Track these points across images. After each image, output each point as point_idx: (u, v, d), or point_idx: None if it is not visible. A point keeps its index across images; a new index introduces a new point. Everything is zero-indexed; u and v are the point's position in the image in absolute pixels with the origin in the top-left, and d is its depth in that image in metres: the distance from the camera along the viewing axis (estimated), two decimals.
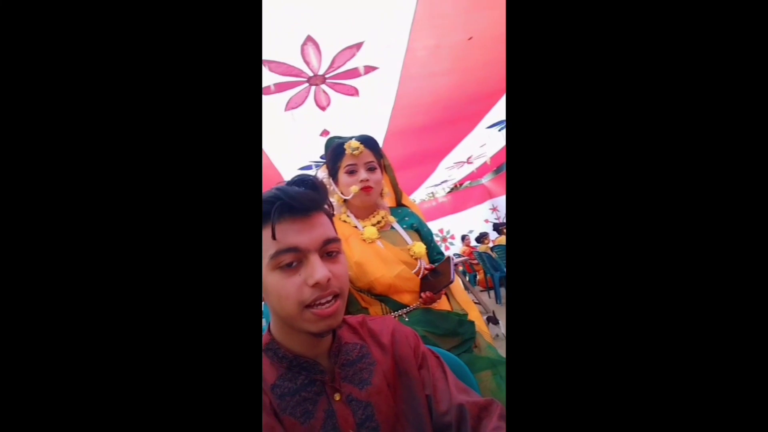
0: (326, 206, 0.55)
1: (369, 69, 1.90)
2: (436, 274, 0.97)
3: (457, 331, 0.97)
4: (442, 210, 6.91)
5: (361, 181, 1.00)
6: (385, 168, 1.12)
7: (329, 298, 0.49)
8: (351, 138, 1.04)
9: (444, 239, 6.95)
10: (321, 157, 3.05)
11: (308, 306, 0.48)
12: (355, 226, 1.05)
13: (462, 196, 6.96)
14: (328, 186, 1.07)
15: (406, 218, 1.10)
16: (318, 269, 0.48)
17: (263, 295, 0.50)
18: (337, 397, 0.53)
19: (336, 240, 0.52)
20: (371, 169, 1.02)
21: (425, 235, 1.09)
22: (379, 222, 1.05)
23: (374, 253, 0.99)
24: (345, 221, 1.06)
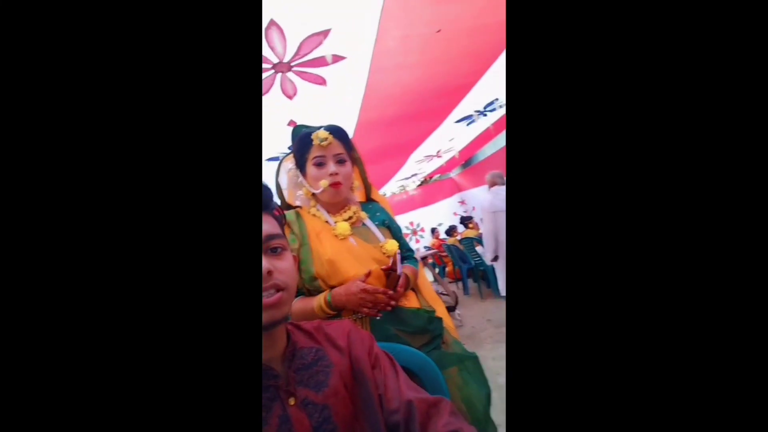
0: (271, 206, 0.57)
1: (337, 58, 1.85)
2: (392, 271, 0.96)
3: (426, 328, 0.96)
4: (412, 203, 6.97)
5: (331, 174, 0.96)
6: (355, 161, 1.08)
7: (271, 290, 0.52)
8: (319, 128, 0.99)
9: (414, 232, 7.02)
10: (288, 148, 2.95)
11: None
12: (326, 221, 1.01)
13: (431, 189, 7.04)
14: (295, 178, 1.05)
15: (378, 214, 1.07)
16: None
17: None
18: (291, 401, 0.52)
19: (279, 236, 0.55)
20: (340, 162, 0.98)
21: (395, 231, 1.07)
22: (350, 217, 1.01)
23: (346, 250, 0.96)
24: (315, 215, 1.02)
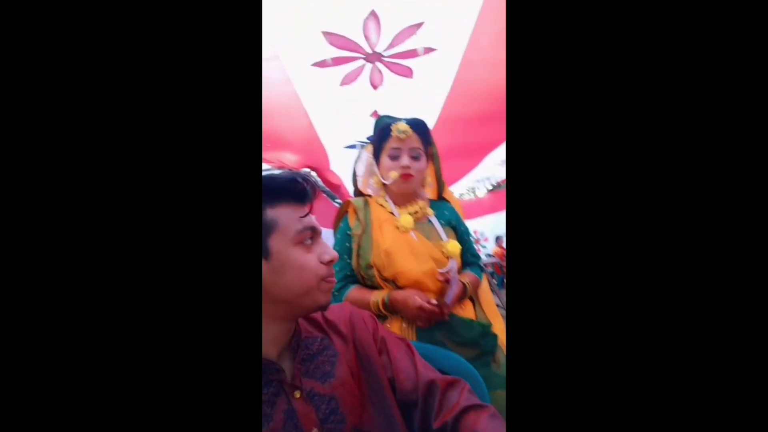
0: (306, 199, 0.57)
1: (428, 50, 1.86)
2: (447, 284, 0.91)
3: (477, 342, 0.92)
4: (480, 207, 6.76)
5: (402, 167, 0.96)
6: (431, 157, 1.06)
7: (331, 278, 0.54)
8: (401, 120, 0.99)
9: (477, 241, 6.83)
10: (368, 138, 3.03)
11: (320, 280, 0.52)
12: (391, 212, 1.02)
13: (501, 196, 6.76)
14: (371, 167, 1.07)
15: (445, 212, 1.05)
16: (330, 248, 0.54)
17: (271, 271, 0.51)
18: (297, 394, 0.51)
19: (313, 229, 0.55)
20: (415, 157, 0.98)
21: (461, 234, 1.04)
22: (416, 212, 1.01)
23: (406, 244, 0.95)
24: (382, 205, 1.03)
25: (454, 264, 0.95)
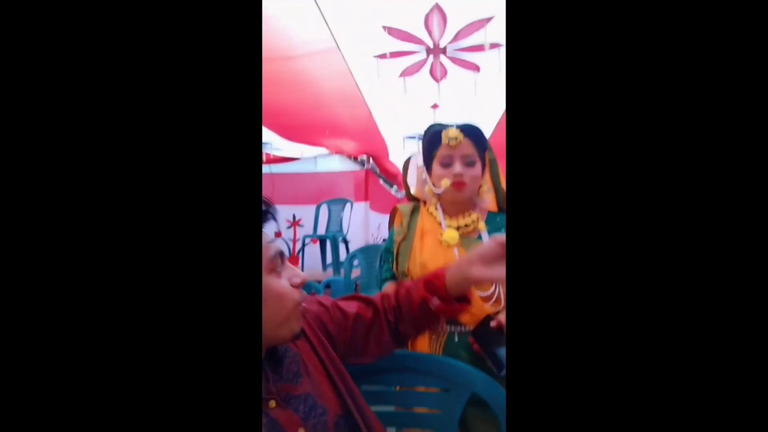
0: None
1: (494, 46, 1.72)
2: (496, 333, 0.81)
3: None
4: None
5: (454, 175, 0.88)
6: (490, 163, 0.96)
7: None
8: (452, 126, 0.91)
9: None
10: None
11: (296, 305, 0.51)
12: (440, 223, 0.95)
13: None
14: (420, 175, 1.00)
15: (502, 230, 0.93)
16: (298, 270, 0.51)
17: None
18: (272, 404, 0.49)
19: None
20: (469, 164, 0.90)
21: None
22: (467, 226, 0.92)
23: (443, 259, 0.88)
24: (431, 214, 0.97)
25: (500, 290, 0.87)
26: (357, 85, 2.19)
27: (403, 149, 3.18)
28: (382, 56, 1.88)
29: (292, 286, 0.50)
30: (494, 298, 0.87)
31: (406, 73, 2.05)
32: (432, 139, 0.94)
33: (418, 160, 1.02)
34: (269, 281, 0.48)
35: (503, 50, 1.74)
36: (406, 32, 1.69)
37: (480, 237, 0.92)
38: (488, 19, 1.55)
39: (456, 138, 0.88)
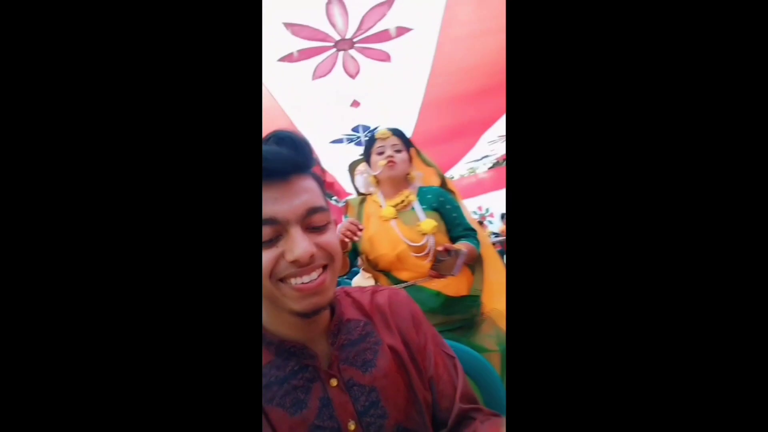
0: (313, 169, 0.47)
1: (402, 30, 1.70)
2: (447, 256, 0.98)
3: (466, 316, 1.10)
4: (481, 187, 6.64)
5: (387, 156, 1.14)
6: (417, 153, 1.26)
7: (314, 275, 0.44)
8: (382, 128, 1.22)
9: (483, 217, 6.72)
10: (353, 129, 2.91)
11: (282, 280, 0.43)
12: (381, 205, 1.17)
13: (503, 172, 6.59)
14: (366, 176, 1.23)
15: (428, 196, 1.16)
16: (298, 244, 0.41)
17: None
18: (333, 382, 0.47)
19: (322, 210, 0.44)
20: (398, 151, 1.16)
21: (448, 212, 1.15)
22: (401, 202, 1.15)
23: (385, 231, 1.12)
24: (375, 201, 1.20)
25: (431, 239, 1.07)
26: (272, 96, 2.07)
27: (331, 155, 3.08)
28: (289, 58, 1.78)
29: (287, 260, 0.43)
30: (427, 251, 1.08)
31: (318, 74, 1.97)
32: (368, 141, 1.23)
33: (360, 171, 1.30)
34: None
35: (413, 34, 1.74)
36: (309, 28, 1.61)
37: (413, 208, 1.14)
38: (389, 2, 1.53)
39: (385, 133, 1.18)
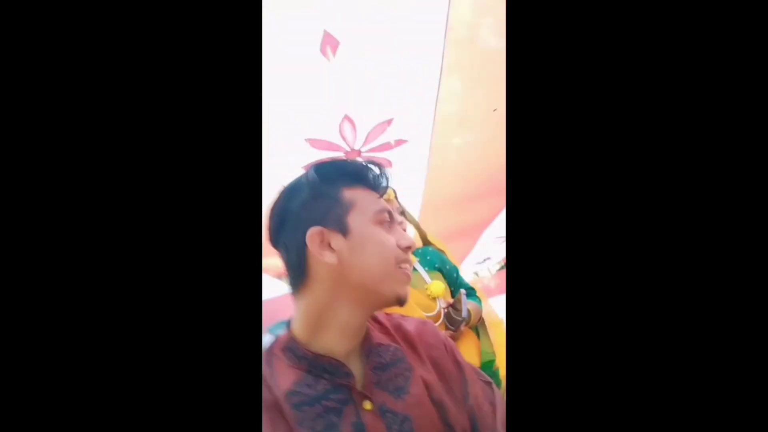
0: (380, 188, 0.55)
1: (399, 142, 2.07)
2: (455, 310, 0.99)
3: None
4: (488, 293, 6.48)
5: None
6: (404, 213, 1.26)
7: (406, 264, 0.51)
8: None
9: None
10: None
11: (398, 264, 0.49)
12: (426, 281, 1.12)
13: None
14: None
15: (428, 257, 1.17)
16: (408, 235, 0.51)
17: (350, 250, 0.47)
18: (367, 405, 0.45)
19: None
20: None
21: (448, 273, 1.14)
22: None
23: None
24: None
25: (441, 303, 1.04)
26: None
27: None
28: (306, 167, 2.12)
29: (399, 247, 0.50)
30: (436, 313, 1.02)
31: None
32: None
33: None
34: (373, 230, 0.49)
35: (409, 145, 2.09)
36: (325, 141, 1.98)
37: (414, 269, 1.12)
38: (389, 121, 1.91)
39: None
